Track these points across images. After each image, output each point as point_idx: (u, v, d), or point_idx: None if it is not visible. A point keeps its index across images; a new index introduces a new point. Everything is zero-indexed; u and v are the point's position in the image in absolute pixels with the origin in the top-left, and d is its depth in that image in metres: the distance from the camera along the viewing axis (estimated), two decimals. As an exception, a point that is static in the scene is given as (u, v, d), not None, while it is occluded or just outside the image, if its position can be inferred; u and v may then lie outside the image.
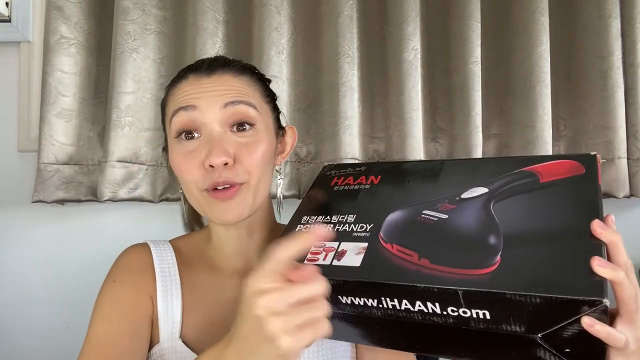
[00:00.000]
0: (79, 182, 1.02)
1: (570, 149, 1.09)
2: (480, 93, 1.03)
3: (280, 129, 0.69)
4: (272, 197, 0.73)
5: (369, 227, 0.54)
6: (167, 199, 1.04)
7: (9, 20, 1.07)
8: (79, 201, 1.03)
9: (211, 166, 0.57)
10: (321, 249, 0.53)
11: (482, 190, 0.52)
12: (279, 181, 0.72)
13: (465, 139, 1.03)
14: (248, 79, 0.64)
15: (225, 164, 0.58)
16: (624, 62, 1.05)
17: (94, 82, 1.05)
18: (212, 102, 0.59)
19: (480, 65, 1.03)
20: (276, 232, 0.69)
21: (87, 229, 1.09)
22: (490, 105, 1.08)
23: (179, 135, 0.61)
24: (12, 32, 1.07)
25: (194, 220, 0.79)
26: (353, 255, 0.51)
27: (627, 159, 1.05)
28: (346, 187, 0.62)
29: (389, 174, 0.61)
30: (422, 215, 0.52)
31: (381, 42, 1.07)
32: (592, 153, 0.51)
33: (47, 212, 1.08)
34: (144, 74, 1.02)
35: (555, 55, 1.06)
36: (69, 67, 1.01)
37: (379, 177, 0.61)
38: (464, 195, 0.52)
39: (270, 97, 0.68)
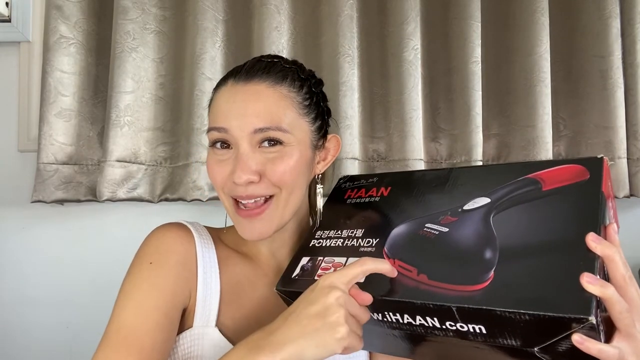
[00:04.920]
0: (78, 182, 1.02)
1: (570, 148, 1.09)
2: (480, 93, 1.03)
3: (321, 139, 0.66)
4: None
5: (374, 242, 0.55)
6: (166, 199, 1.04)
7: (9, 20, 1.07)
8: (79, 201, 1.03)
9: (234, 183, 0.59)
10: (330, 265, 0.56)
11: (484, 200, 0.52)
12: (318, 189, 0.69)
13: (465, 139, 1.03)
14: (286, 90, 0.61)
15: (251, 182, 0.59)
16: (623, 62, 1.05)
17: (94, 81, 1.05)
18: (243, 126, 0.59)
19: (480, 65, 1.03)
20: None
21: (87, 228, 1.09)
22: (490, 105, 1.08)
23: (213, 145, 0.63)
24: (12, 32, 1.07)
25: None
26: None
27: (627, 158, 1.05)
28: (358, 200, 0.64)
29: (398, 185, 0.62)
30: (425, 229, 0.53)
31: (381, 41, 1.07)
32: (599, 156, 0.50)
33: (47, 212, 1.08)
34: (144, 73, 1.02)
35: (555, 55, 1.06)
36: (68, 67, 1.01)
37: (389, 188, 0.62)
38: (466, 207, 0.53)
39: (312, 106, 0.64)
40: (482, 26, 1.04)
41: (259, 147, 0.60)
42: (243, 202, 0.61)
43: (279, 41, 1.02)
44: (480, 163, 1.04)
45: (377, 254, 0.53)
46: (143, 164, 1.02)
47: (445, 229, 0.51)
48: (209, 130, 0.63)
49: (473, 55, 1.03)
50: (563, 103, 1.09)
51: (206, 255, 0.64)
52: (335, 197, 0.68)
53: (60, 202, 1.02)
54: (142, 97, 1.02)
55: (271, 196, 0.61)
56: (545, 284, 0.41)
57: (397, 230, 0.55)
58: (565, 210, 0.46)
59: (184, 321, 0.61)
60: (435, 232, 0.52)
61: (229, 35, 1.05)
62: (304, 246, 0.62)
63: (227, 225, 0.69)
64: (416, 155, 1.02)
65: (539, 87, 1.02)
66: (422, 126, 1.04)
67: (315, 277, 0.55)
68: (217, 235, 0.69)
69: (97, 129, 1.05)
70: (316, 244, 0.61)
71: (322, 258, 0.58)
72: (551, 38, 1.04)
